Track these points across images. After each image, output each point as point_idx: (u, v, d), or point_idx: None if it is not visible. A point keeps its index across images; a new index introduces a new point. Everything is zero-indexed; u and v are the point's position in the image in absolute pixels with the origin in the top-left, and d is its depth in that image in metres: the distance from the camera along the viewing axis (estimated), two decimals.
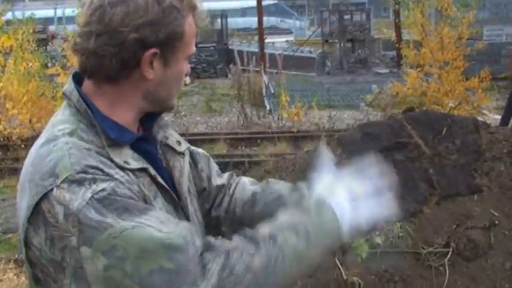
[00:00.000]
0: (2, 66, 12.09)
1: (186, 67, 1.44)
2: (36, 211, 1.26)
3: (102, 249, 1.21)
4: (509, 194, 4.02)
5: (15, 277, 5.75)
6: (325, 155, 1.53)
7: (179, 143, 1.57)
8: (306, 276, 3.27)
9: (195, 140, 12.47)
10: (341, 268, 3.82)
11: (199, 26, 1.43)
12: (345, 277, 3.77)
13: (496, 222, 3.87)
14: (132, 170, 1.34)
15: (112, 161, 1.31)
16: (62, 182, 1.23)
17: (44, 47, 19.74)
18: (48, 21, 32.45)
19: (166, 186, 1.41)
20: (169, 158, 1.52)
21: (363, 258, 3.86)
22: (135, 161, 1.36)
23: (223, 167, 8.04)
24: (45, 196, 1.24)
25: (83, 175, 1.24)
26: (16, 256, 6.49)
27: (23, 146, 12.09)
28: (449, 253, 3.80)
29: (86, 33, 1.33)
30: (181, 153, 1.56)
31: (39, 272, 1.32)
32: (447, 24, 11.64)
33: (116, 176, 1.28)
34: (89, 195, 1.22)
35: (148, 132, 1.50)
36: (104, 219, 1.21)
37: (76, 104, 1.37)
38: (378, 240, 3.86)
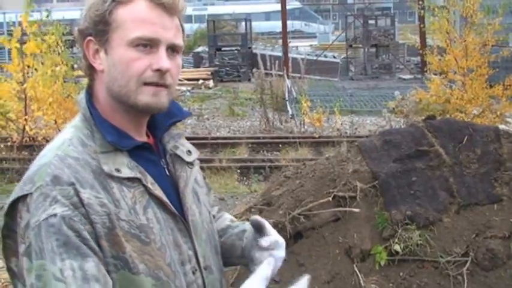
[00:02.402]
0: (34, 69, 12.28)
1: (148, 57, 1.39)
2: (13, 207, 1.35)
3: (34, 271, 1.28)
4: None
5: None
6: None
7: (189, 152, 1.60)
8: (324, 282, 3.30)
9: (217, 143, 12.54)
10: (359, 275, 3.84)
11: (154, 10, 1.40)
12: (363, 284, 3.78)
13: None
14: (123, 178, 1.38)
15: (100, 170, 1.36)
16: (35, 190, 1.32)
17: (71, 49, 19.96)
18: (74, 22, 32.84)
19: (163, 197, 1.43)
20: (177, 167, 1.55)
21: (381, 265, 3.88)
22: (128, 170, 1.40)
23: (245, 171, 8.16)
24: (22, 198, 1.34)
25: (50, 188, 1.31)
26: None
27: None
28: (468, 262, 3.80)
29: None
30: (190, 163, 1.58)
31: (14, 266, 1.38)
32: (472, 30, 11.55)
33: (83, 197, 1.31)
34: (44, 216, 1.29)
35: (157, 141, 1.54)
36: (44, 247, 1.27)
37: (83, 110, 1.46)
38: (397, 248, 3.88)
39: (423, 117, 9.70)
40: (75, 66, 15.07)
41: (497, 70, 12.20)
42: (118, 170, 1.38)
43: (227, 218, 1.79)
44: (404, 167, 4.22)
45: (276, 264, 1.52)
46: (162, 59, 1.40)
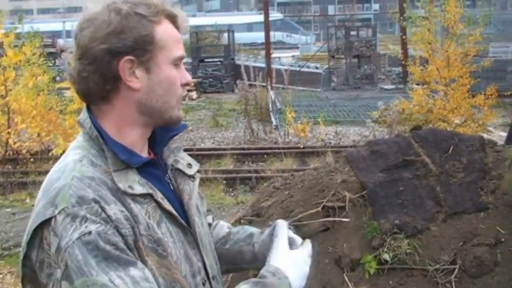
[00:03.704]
0: (13, 81, 12.21)
1: (179, 74, 1.49)
2: (35, 234, 1.34)
3: None
4: None
5: None
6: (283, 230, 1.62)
7: (190, 165, 1.63)
8: None
9: (202, 155, 12.54)
10: (349, 284, 3.87)
11: (182, 30, 1.50)
12: None
13: (502, 239, 3.91)
14: (136, 195, 1.41)
15: (116, 187, 1.38)
16: (59, 213, 1.31)
17: (53, 61, 19.90)
18: (56, 34, 32.71)
19: (173, 211, 1.47)
20: (180, 181, 1.58)
21: (371, 274, 3.92)
22: (140, 186, 1.42)
23: (230, 182, 8.20)
24: (45, 223, 1.32)
25: (77, 209, 1.31)
26: None
27: (32, 159, 12.21)
28: (456, 270, 3.84)
29: (72, 63, 1.44)
30: (192, 176, 1.62)
31: None
32: (454, 41, 11.72)
33: (110, 213, 1.33)
34: (76, 235, 1.29)
35: (158, 157, 1.56)
36: (83, 264, 1.27)
37: (88, 131, 1.45)
38: (386, 256, 3.92)
39: (406, 127, 9.80)
40: (57, 78, 15.05)
41: (479, 80, 12.38)
42: (131, 187, 1.40)
43: (224, 225, 1.83)
44: (391, 177, 4.27)
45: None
46: (187, 74, 1.51)
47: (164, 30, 1.45)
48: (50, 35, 27.78)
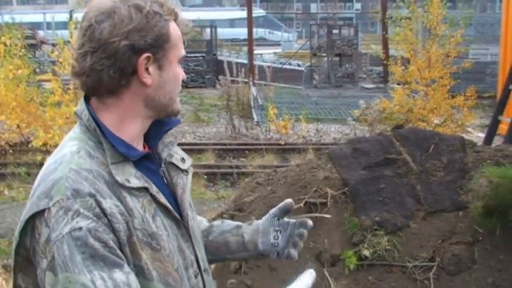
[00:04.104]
0: None
1: (181, 71, 1.54)
2: (27, 224, 1.35)
3: (60, 285, 1.28)
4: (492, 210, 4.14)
5: (3, 282, 5.78)
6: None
7: (183, 160, 1.65)
8: None
9: (183, 149, 12.45)
10: (330, 279, 3.92)
11: (183, 31, 1.53)
12: None
13: (480, 238, 4.00)
14: (132, 188, 1.42)
15: (113, 180, 1.39)
16: (53, 205, 1.32)
17: (33, 52, 19.70)
18: (36, 26, 32.34)
19: (168, 205, 1.49)
20: (173, 175, 1.60)
21: (350, 270, 3.98)
22: (136, 180, 1.43)
23: (211, 177, 8.20)
24: (38, 214, 1.33)
25: (71, 202, 1.31)
26: (5, 261, 6.52)
27: (11, 151, 12.10)
28: (434, 267, 3.91)
29: (82, 54, 1.42)
30: (185, 171, 1.63)
31: (22, 281, 1.41)
32: (435, 42, 11.84)
33: (105, 206, 1.34)
34: (67, 230, 1.29)
35: (153, 151, 1.57)
36: (69, 260, 1.28)
37: (86, 123, 1.46)
38: (366, 253, 3.98)
39: (387, 126, 9.90)
40: (37, 70, 14.92)
41: (459, 81, 12.52)
42: (128, 181, 1.41)
43: (202, 219, 1.86)
44: (373, 175, 4.33)
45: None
46: (182, 71, 1.55)
47: (174, 29, 1.48)
48: (30, 26, 27.46)
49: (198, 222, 1.78)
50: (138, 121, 1.48)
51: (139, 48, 1.41)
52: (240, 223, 1.82)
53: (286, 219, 1.75)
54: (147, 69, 1.43)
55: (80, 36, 1.43)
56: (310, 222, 1.75)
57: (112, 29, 1.39)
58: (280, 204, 1.74)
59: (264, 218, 1.77)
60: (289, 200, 1.75)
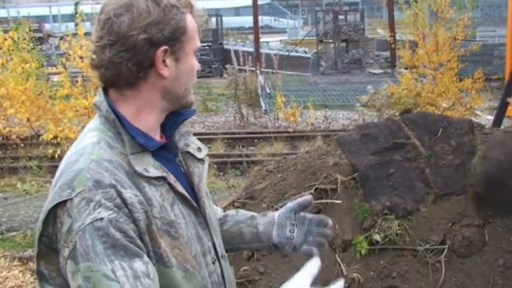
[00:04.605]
0: (1, 66, 12.15)
1: (196, 62, 1.56)
2: (50, 213, 1.40)
3: (81, 273, 1.33)
4: None
5: (20, 274, 5.86)
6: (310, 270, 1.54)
7: (199, 149, 1.68)
8: None
9: None
10: (341, 264, 3.96)
11: (198, 22, 1.55)
12: (345, 273, 3.90)
13: (490, 220, 4.02)
14: (151, 178, 1.45)
15: (132, 170, 1.43)
16: (75, 196, 1.36)
17: (40, 46, 19.76)
18: (42, 19, 32.37)
19: (185, 193, 1.53)
20: (190, 164, 1.63)
21: (362, 255, 4.01)
22: (155, 169, 1.47)
23: (221, 167, 8.25)
24: (60, 204, 1.37)
25: (93, 193, 1.35)
26: (21, 254, 6.61)
27: (22, 145, 12.20)
28: (445, 250, 3.94)
29: (101, 47, 1.45)
30: (201, 160, 1.67)
31: (44, 268, 1.45)
32: (442, 25, 11.79)
33: (125, 196, 1.37)
34: (89, 220, 1.33)
35: (170, 140, 1.61)
36: (91, 250, 1.32)
37: (105, 114, 1.49)
38: (377, 237, 4.01)
39: (395, 111, 9.88)
40: (45, 63, 14.97)
41: (467, 64, 12.47)
42: (146, 170, 1.45)
43: (218, 208, 1.89)
44: (382, 160, 4.35)
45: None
46: (197, 62, 1.57)
47: (191, 21, 1.51)
48: (36, 19, 27.51)
49: (214, 209, 1.81)
50: (155, 112, 1.52)
51: (157, 42, 1.44)
52: (254, 214, 1.86)
53: (303, 213, 1.78)
54: (164, 61, 1.47)
55: (98, 29, 1.46)
56: (329, 222, 1.78)
57: (131, 23, 1.42)
58: (300, 200, 1.78)
59: (281, 210, 1.79)
60: (309, 197, 1.79)
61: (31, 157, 11.39)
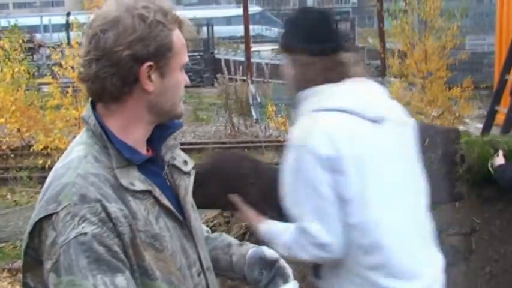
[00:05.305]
0: None
1: (183, 77, 1.57)
2: (36, 226, 1.42)
3: (63, 286, 1.35)
4: (489, 201, 4.19)
5: (9, 286, 5.85)
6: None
7: (186, 162, 1.69)
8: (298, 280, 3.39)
9: (183, 149, 12.48)
10: None
11: (187, 37, 1.56)
12: None
13: (477, 228, 4.04)
14: (136, 191, 1.47)
15: (118, 184, 1.44)
16: (61, 210, 1.38)
17: (31, 56, 19.75)
18: (33, 29, 32.28)
19: (170, 206, 1.54)
20: (176, 177, 1.64)
21: None
22: (140, 183, 1.49)
23: None
24: (46, 217, 1.39)
25: (78, 207, 1.37)
26: (10, 265, 6.59)
27: (12, 155, 12.15)
28: None
29: (87, 61, 1.47)
30: (187, 173, 1.68)
31: (31, 280, 1.47)
32: (432, 34, 11.85)
33: (110, 211, 1.39)
34: (73, 234, 1.35)
35: (156, 153, 1.62)
36: (74, 264, 1.34)
37: (92, 127, 1.50)
38: None
39: None
40: (36, 74, 14.97)
41: (455, 73, 12.54)
42: (132, 184, 1.46)
43: (204, 228, 1.88)
44: None
45: None
46: (186, 76, 1.59)
47: (177, 37, 1.52)
48: (27, 29, 27.42)
49: (200, 222, 1.81)
50: (141, 126, 1.53)
51: (142, 58, 1.45)
52: (232, 242, 1.86)
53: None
54: (149, 76, 1.48)
55: (86, 44, 1.48)
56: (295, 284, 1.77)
57: (116, 39, 1.44)
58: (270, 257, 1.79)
59: (253, 251, 1.81)
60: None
61: (21, 168, 11.34)
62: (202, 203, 1.90)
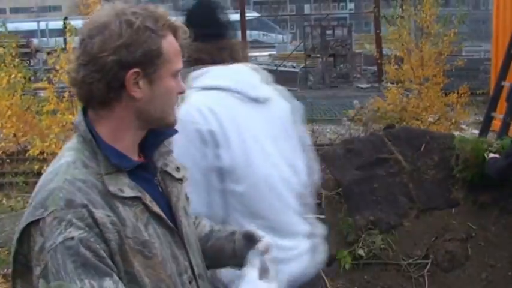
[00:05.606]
0: None
1: (177, 84, 1.54)
2: (25, 232, 1.41)
3: None
4: (485, 207, 4.20)
5: None
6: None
7: (178, 169, 1.68)
8: None
9: None
10: (325, 279, 3.96)
11: (182, 44, 1.55)
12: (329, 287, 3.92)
13: (473, 234, 4.05)
14: (125, 198, 1.46)
15: (106, 190, 1.43)
16: (48, 215, 1.37)
17: (28, 61, 19.76)
18: (30, 34, 32.27)
19: (161, 213, 1.53)
20: (168, 184, 1.63)
21: (346, 269, 4.03)
22: (130, 189, 1.47)
23: None
24: (33, 223, 1.39)
25: (64, 212, 1.36)
26: (5, 271, 6.55)
27: (8, 160, 12.11)
28: (429, 264, 3.97)
29: (76, 67, 1.47)
30: (180, 180, 1.67)
31: (20, 287, 1.46)
32: (428, 40, 11.88)
33: (96, 216, 1.38)
34: (60, 239, 1.34)
35: (148, 160, 1.61)
36: (61, 268, 1.34)
37: (82, 133, 1.50)
38: (361, 252, 4.03)
39: (381, 125, 9.94)
40: (32, 78, 14.92)
41: (452, 79, 12.57)
42: (121, 190, 1.45)
43: (206, 223, 1.87)
44: (366, 174, 4.39)
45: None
46: (182, 83, 1.56)
47: (169, 43, 1.50)
48: (24, 34, 27.41)
49: (201, 227, 1.82)
50: (131, 132, 1.52)
51: (128, 64, 1.44)
52: (234, 229, 1.85)
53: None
54: (137, 83, 1.46)
55: (76, 49, 1.48)
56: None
57: (102, 44, 1.43)
58: (260, 245, 1.72)
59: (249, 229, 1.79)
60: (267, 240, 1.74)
61: (17, 173, 11.29)
62: None
